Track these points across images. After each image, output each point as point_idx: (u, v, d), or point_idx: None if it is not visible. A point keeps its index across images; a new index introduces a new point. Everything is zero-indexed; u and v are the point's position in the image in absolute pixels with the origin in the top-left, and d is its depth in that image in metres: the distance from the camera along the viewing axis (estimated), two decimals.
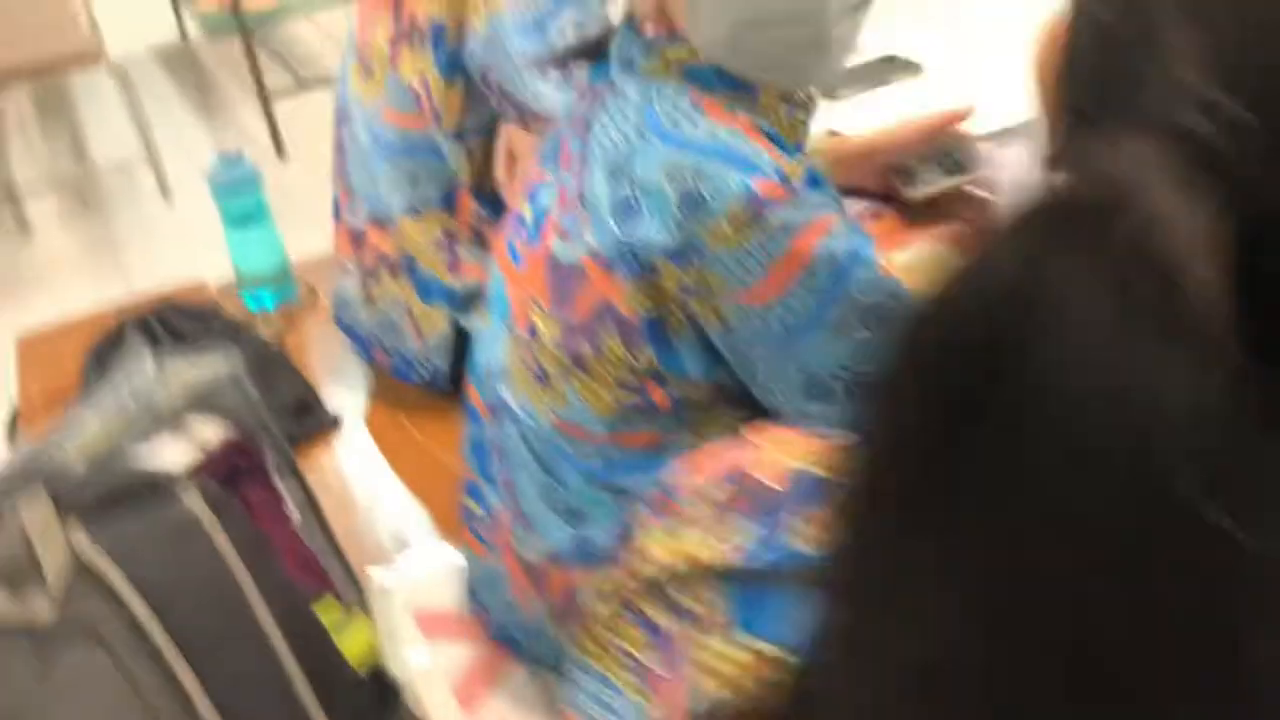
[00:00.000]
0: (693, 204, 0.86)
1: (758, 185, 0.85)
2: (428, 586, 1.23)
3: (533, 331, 1.00)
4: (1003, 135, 1.24)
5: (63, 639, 0.80)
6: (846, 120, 1.40)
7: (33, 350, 1.71)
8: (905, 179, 1.23)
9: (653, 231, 0.88)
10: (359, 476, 1.42)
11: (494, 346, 1.07)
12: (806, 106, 0.97)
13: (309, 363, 1.60)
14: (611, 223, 0.90)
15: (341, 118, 1.48)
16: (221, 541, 0.84)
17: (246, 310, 1.68)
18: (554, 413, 0.99)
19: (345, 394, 1.55)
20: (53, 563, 0.79)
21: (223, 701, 0.81)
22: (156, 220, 3.32)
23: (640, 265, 0.89)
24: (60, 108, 3.99)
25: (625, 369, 0.94)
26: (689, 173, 0.86)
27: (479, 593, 1.17)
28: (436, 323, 1.45)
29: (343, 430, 1.49)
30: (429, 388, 1.49)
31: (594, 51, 1.01)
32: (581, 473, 1.01)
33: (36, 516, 0.79)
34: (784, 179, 0.86)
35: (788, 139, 0.93)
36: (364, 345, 1.52)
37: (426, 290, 1.45)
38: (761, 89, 0.92)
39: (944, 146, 1.21)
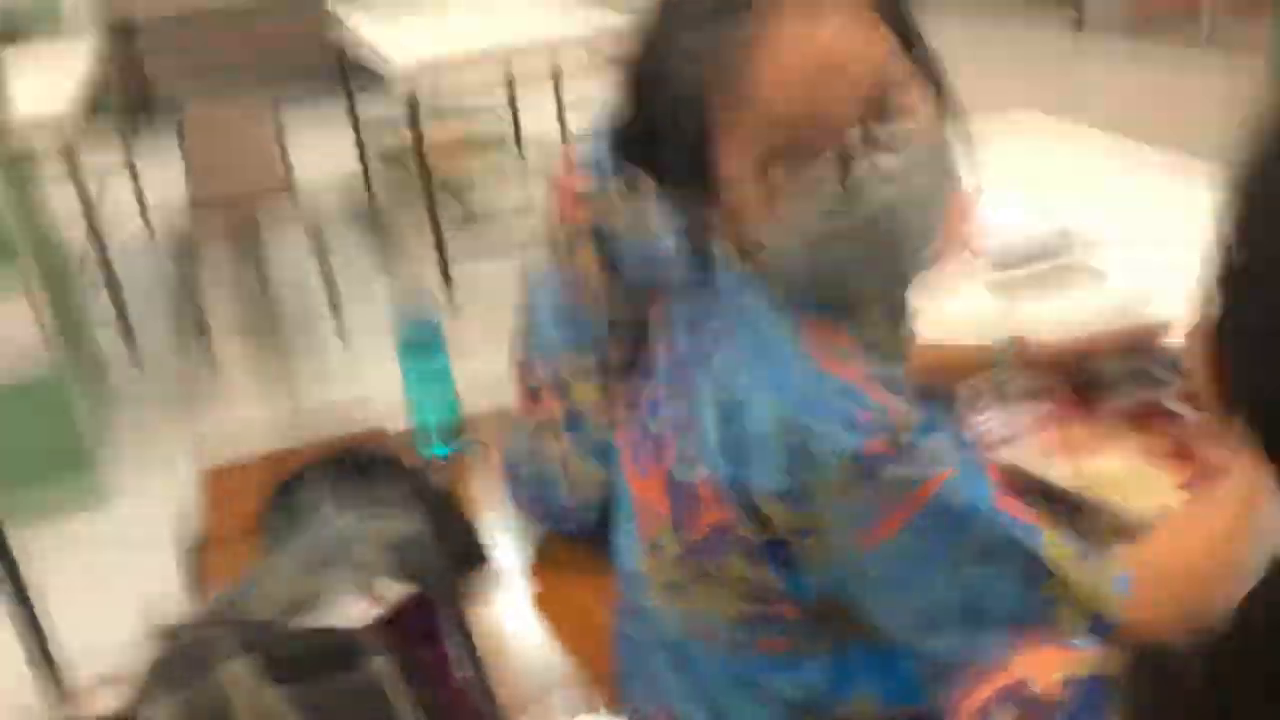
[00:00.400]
0: (802, 460, 0.85)
1: (868, 447, 0.84)
2: None
3: (657, 544, 1.00)
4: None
5: None
6: (1027, 324, 1.40)
7: (216, 482, 1.80)
8: (1098, 389, 1.22)
9: (762, 476, 0.87)
10: (517, 634, 1.44)
11: (628, 551, 1.08)
12: (903, 314, 0.96)
13: (478, 513, 1.65)
14: (721, 459, 0.90)
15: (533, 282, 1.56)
16: (403, 708, 0.87)
17: (419, 458, 1.75)
18: (685, 617, 1.00)
19: (509, 547, 1.59)
20: None
21: None
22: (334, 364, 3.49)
23: (750, 502, 0.89)
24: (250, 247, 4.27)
25: (749, 584, 0.94)
26: (799, 430, 0.85)
27: None
28: (592, 481, 1.48)
29: (504, 584, 1.52)
30: (572, 537, 1.51)
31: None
32: (718, 668, 1.01)
33: (235, 674, 0.84)
34: (894, 436, 0.84)
35: (891, 354, 0.93)
36: (517, 491, 1.57)
37: (586, 449, 1.49)
38: (858, 302, 0.91)
39: (1139, 357, 1.20)
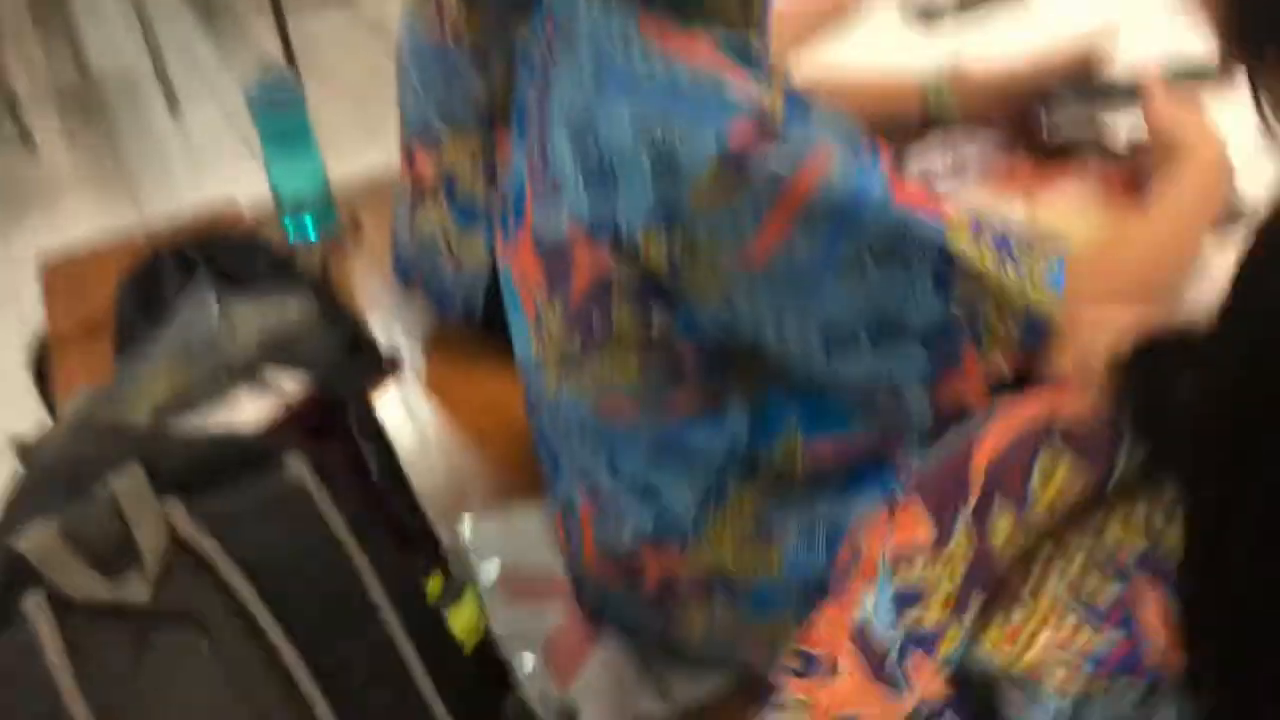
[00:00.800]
0: (669, 169, 0.76)
1: (735, 140, 0.74)
2: (510, 547, 1.16)
3: (541, 319, 0.91)
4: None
5: (160, 622, 0.72)
6: (962, 49, 1.29)
7: (59, 278, 1.61)
8: (1048, 115, 1.12)
9: (629, 202, 0.78)
10: (421, 427, 1.34)
11: (520, 337, 0.99)
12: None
13: (357, 298, 1.51)
14: (584, 196, 0.80)
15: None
16: (330, 513, 0.76)
17: (285, 239, 1.58)
18: (589, 394, 0.92)
19: (400, 336, 1.47)
20: (149, 541, 0.71)
21: (333, 687, 0.74)
22: (165, 137, 3.19)
23: (621, 239, 0.79)
24: (57, 13, 3.81)
25: (641, 335, 0.84)
26: (659, 132, 0.75)
27: (571, 564, 1.10)
28: (475, 251, 1.35)
29: (402, 375, 1.40)
30: (467, 322, 1.40)
31: None
32: (637, 443, 0.94)
33: (130, 491, 0.71)
34: (761, 125, 0.75)
35: (749, 33, 0.82)
36: (401, 270, 1.43)
37: (465, 214, 1.35)
38: None
39: (1088, 78, 1.10)
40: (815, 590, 0.96)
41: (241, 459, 0.75)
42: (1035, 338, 0.80)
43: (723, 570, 0.97)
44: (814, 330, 0.81)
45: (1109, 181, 1.02)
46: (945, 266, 0.78)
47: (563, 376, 0.93)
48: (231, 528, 0.73)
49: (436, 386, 1.40)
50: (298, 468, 0.76)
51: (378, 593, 0.77)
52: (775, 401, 0.91)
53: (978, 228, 0.80)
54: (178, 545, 0.72)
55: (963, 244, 0.78)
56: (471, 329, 1.40)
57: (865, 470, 0.96)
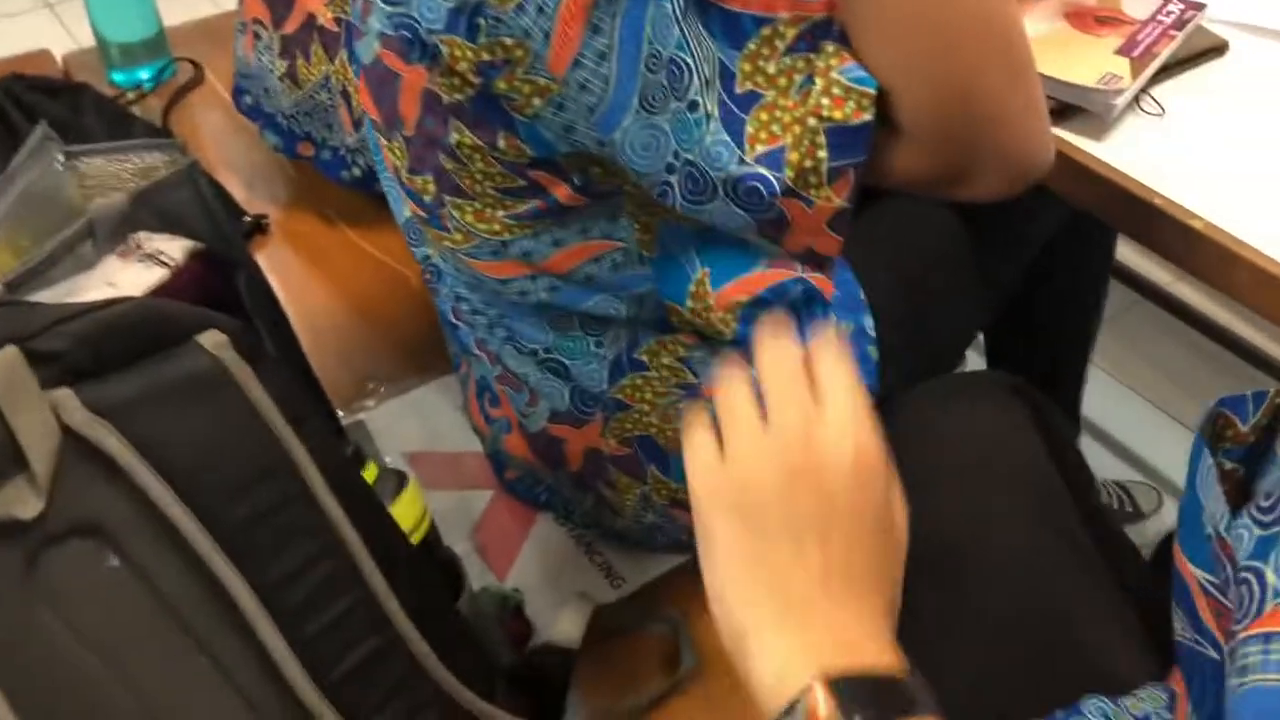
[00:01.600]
0: None
1: None
2: (421, 431, 1.05)
3: (398, 170, 0.80)
4: None
5: (57, 538, 0.59)
6: None
7: None
8: None
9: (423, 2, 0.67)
10: (297, 296, 1.19)
11: (394, 197, 0.88)
12: None
13: (208, 157, 1.33)
14: (383, 4, 0.69)
15: None
16: (259, 396, 0.63)
17: (114, 88, 1.37)
18: (465, 256, 0.81)
19: (260, 195, 1.30)
20: (35, 440, 0.57)
21: (276, 601, 0.63)
22: None
23: (427, 45, 0.68)
24: None
25: (492, 165, 0.73)
26: None
27: (491, 447, 1.00)
28: (311, 75, 1.20)
29: (268, 239, 1.25)
30: (360, 188, 1.25)
31: None
32: (535, 316, 0.84)
33: (5, 380, 0.56)
34: None
35: None
36: (282, 134, 1.26)
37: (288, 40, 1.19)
38: None
39: None
40: None
41: (147, 334, 0.61)
42: (851, 150, 0.67)
43: (649, 439, 0.89)
44: (658, 152, 0.69)
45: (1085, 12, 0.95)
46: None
47: (434, 236, 0.82)
48: (135, 418, 0.59)
49: (310, 246, 1.25)
50: (215, 344, 0.62)
51: (320, 488, 0.65)
52: (672, 243, 0.81)
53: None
54: (71, 443, 0.58)
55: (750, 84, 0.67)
56: (358, 191, 1.25)
57: (805, 307, 0.87)
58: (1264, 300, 0.77)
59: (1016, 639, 0.72)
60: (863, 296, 0.94)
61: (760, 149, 0.67)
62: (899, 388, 0.91)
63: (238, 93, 1.27)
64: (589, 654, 0.85)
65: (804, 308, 0.86)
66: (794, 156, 0.67)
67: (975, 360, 1.42)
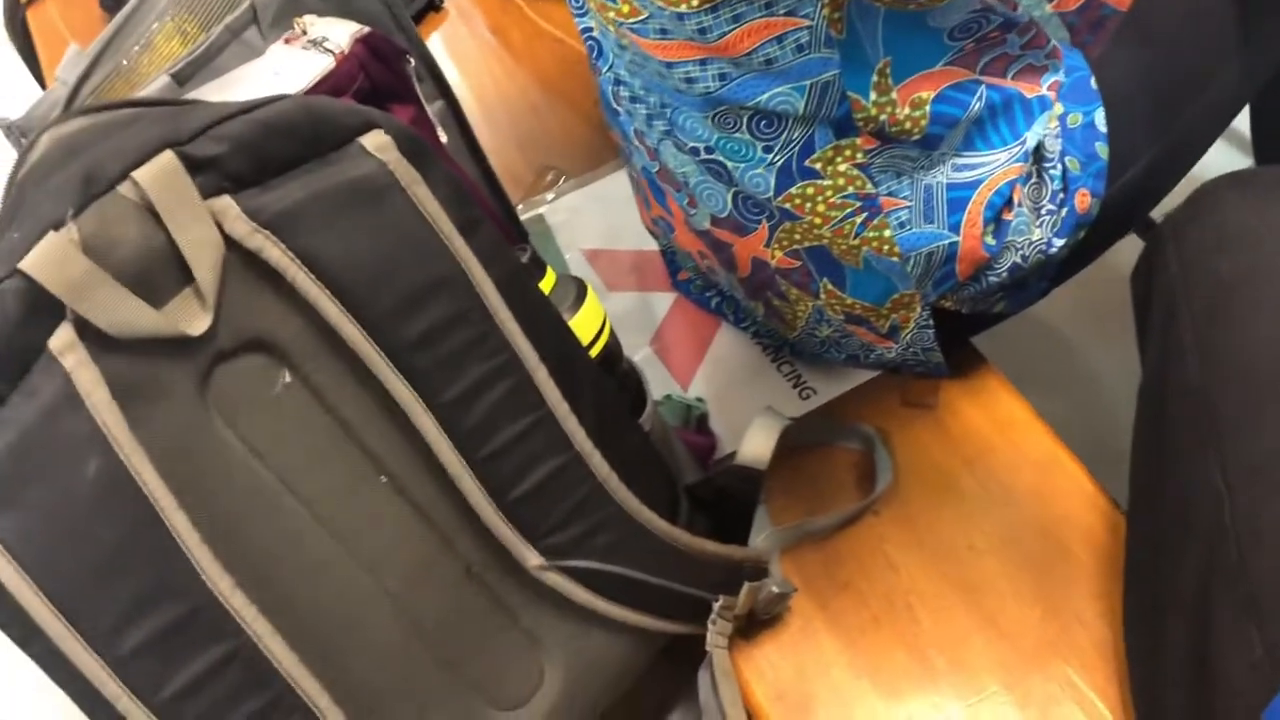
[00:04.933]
0: None
1: None
2: (597, 227, 0.99)
3: None
4: None
5: (226, 352, 0.56)
6: None
7: None
8: None
9: None
10: (475, 80, 1.13)
11: None
12: None
13: None
14: None
15: None
16: (427, 202, 0.58)
17: None
18: (630, 32, 0.71)
19: None
20: (199, 253, 0.54)
21: (452, 420, 0.60)
22: None
23: None
24: None
25: None
26: None
27: (664, 243, 0.94)
28: None
29: (441, 17, 1.18)
30: None
31: None
32: (699, 109, 0.75)
33: (166, 187, 0.53)
34: None
35: None
36: None
37: None
38: None
39: None
40: (940, 265, 0.80)
41: (307, 136, 0.56)
42: None
43: (820, 249, 0.81)
44: None
45: None
46: None
47: (602, 8, 0.74)
48: (300, 229, 0.55)
49: (494, 31, 1.18)
50: (378, 145, 0.57)
51: (495, 301, 0.60)
52: (859, 23, 0.71)
53: None
54: (235, 255, 0.55)
55: None
56: None
57: (990, 117, 0.77)
58: None
59: None
60: (1093, 84, 0.81)
61: None
62: (1134, 186, 0.79)
63: None
64: (777, 471, 0.80)
65: (1002, 110, 0.76)
66: None
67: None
